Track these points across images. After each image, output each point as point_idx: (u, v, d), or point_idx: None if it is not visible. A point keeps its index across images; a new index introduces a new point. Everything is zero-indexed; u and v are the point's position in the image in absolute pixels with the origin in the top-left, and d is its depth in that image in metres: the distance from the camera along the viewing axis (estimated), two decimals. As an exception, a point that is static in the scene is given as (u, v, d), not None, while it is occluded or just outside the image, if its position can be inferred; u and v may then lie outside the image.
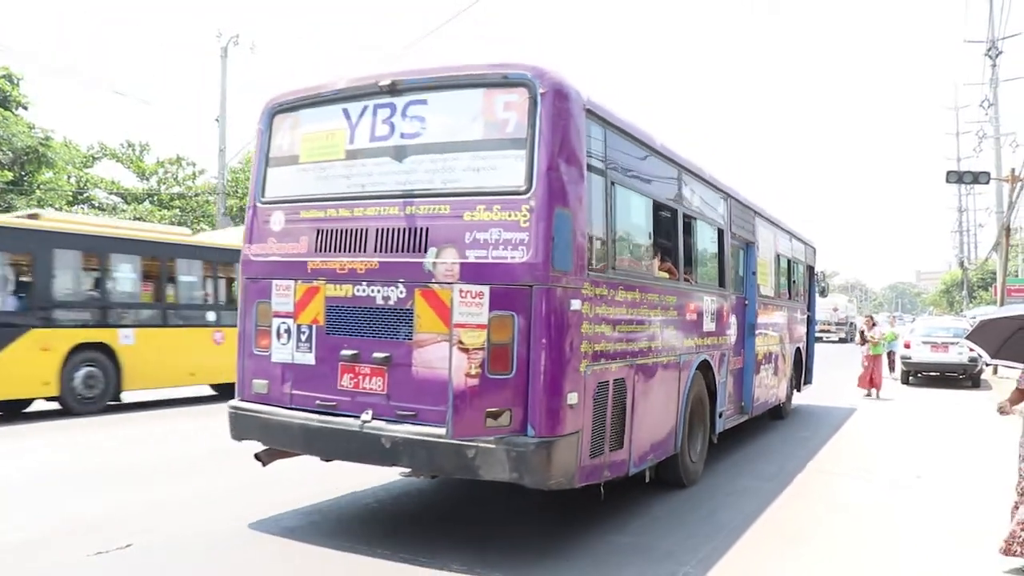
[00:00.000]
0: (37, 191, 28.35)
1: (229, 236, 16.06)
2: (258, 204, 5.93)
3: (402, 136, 5.30)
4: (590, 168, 5.20)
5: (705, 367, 7.55)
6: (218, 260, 13.85)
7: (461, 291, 4.71)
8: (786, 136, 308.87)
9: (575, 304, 4.96)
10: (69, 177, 31.48)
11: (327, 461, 5.96)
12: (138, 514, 5.97)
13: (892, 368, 19.72)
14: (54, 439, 9.58)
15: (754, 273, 9.72)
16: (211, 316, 13.49)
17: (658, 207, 6.65)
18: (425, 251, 5.04)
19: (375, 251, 5.24)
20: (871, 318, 17.81)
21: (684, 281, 7.18)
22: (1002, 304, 22.52)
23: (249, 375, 5.79)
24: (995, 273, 28.83)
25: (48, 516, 5.95)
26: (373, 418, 5.07)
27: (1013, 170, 22.01)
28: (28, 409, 11.66)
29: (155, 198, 33.56)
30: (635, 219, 6.27)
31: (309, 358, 5.46)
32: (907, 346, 19.11)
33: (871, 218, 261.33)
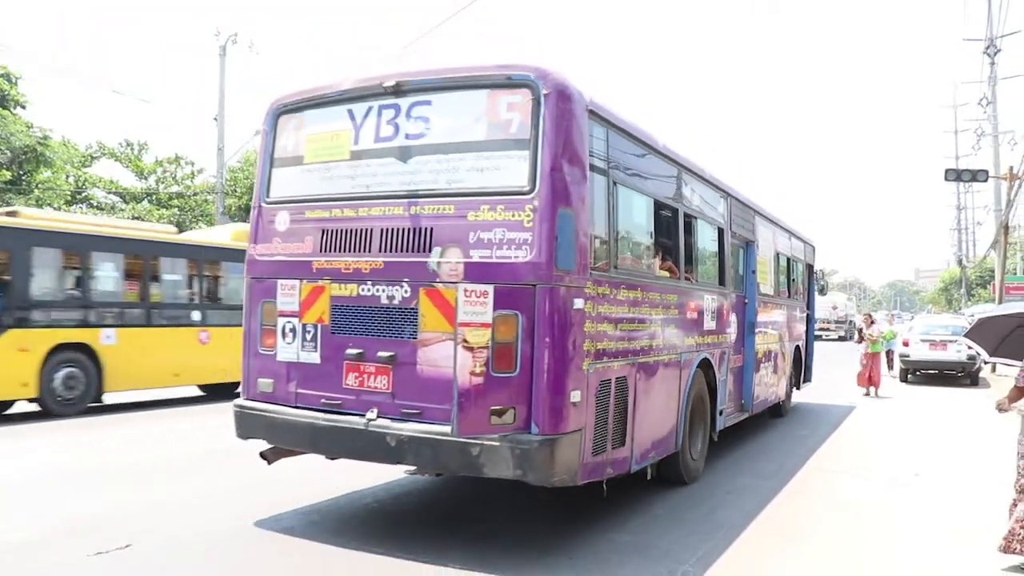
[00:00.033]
0: (35, 190, 28.37)
1: (214, 234, 15.82)
2: (263, 204, 5.97)
3: (407, 137, 5.34)
4: (592, 168, 5.25)
5: (706, 365, 7.60)
6: (203, 258, 13.64)
7: (466, 290, 4.76)
8: (785, 134, 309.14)
9: (578, 303, 5.01)
10: (67, 176, 31.49)
11: (332, 459, 6.01)
12: (138, 514, 5.98)
13: (891, 367, 19.78)
14: (53, 439, 9.57)
15: (754, 272, 9.77)
16: (196, 316, 13.27)
17: (659, 206, 6.70)
18: (429, 251, 5.08)
19: (380, 251, 5.28)
20: (869, 316, 17.86)
21: (685, 280, 7.23)
22: (1000, 302, 22.57)
23: (254, 374, 5.83)
24: (993, 271, 28.87)
25: (48, 516, 5.96)
26: (378, 416, 5.12)
27: (1011, 168, 22.05)
28: (10, 411, 11.46)
29: (154, 197, 33.55)
30: (637, 218, 6.32)
31: (314, 357, 5.50)
32: (906, 344, 19.17)
33: (870, 216, 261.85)
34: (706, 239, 8.12)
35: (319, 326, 5.50)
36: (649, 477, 6.59)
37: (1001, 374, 19.72)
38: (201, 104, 78.25)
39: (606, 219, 5.53)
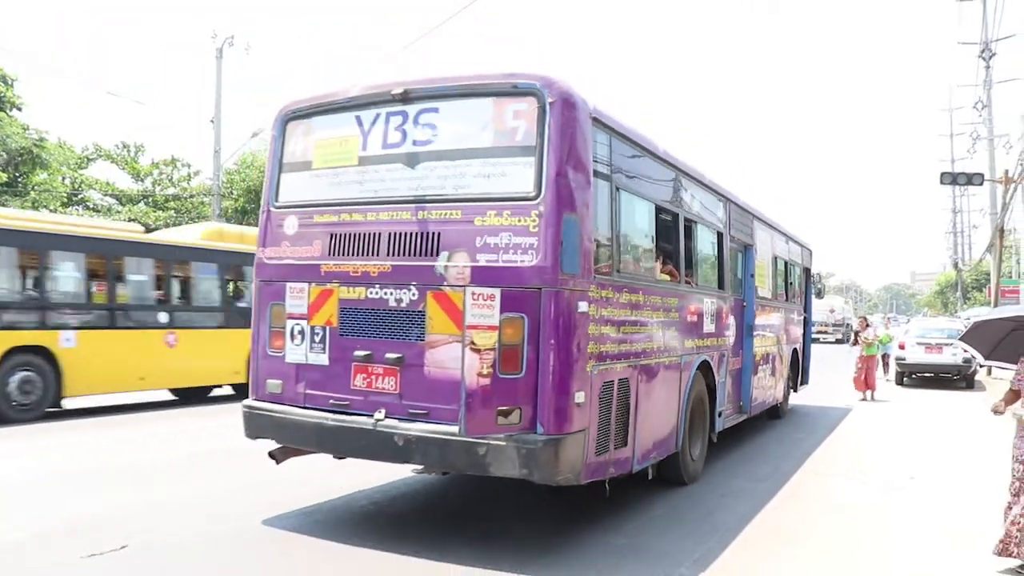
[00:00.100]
0: (31, 192, 28.37)
1: (184, 234, 15.46)
2: (271, 208, 6.06)
3: (414, 143, 5.44)
4: (596, 174, 5.36)
5: (705, 367, 7.70)
6: (171, 258, 13.24)
7: (473, 293, 4.86)
8: (782, 138, 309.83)
9: (582, 306, 5.10)
10: (64, 178, 31.49)
11: (340, 459, 6.09)
12: (138, 514, 6.00)
13: (886, 371, 19.89)
14: (49, 440, 9.50)
15: (752, 275, 9.89)
16: (163, 317, 12.75)
17: (660, 211, 6.82)
18: (437, 255, 5.18)
19: (388, 255, 5.38)
20: (865, 319, 17.99)
21: (685, 283, 7.34)
22: (996, 305, 22.77)
23: (263, 375, 5.92)
24: (989, 274, 29.01)
25: (47, 516, 5.97)
26: (386, 417, 5.21)
27: (1007, 171, 22.24)
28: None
29: (150, 199, 33.56)
30: (639, 223, 6.43)
31: (323, 359, 5.59)
32: (902, 347, 19.29)
33: (866, 219, 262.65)
34: (706, 243, 8.24)
35: (327, 328, 5.59)
36: (650, 477, 6.69)
37: (997, 377, 19.81)
38: (198, 106, 78.17)
39: (609, 224, 5.64)
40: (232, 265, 14.15)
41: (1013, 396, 5.30)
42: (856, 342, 16.79)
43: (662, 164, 6.83)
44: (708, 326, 7.89)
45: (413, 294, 5.24)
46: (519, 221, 4.97)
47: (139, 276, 12.78)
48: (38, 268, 11.29)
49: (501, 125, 5.17)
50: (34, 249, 11.20)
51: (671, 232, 7.10)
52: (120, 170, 33.64)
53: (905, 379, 19.63)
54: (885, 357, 19.81)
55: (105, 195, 32.95)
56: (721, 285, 8.55)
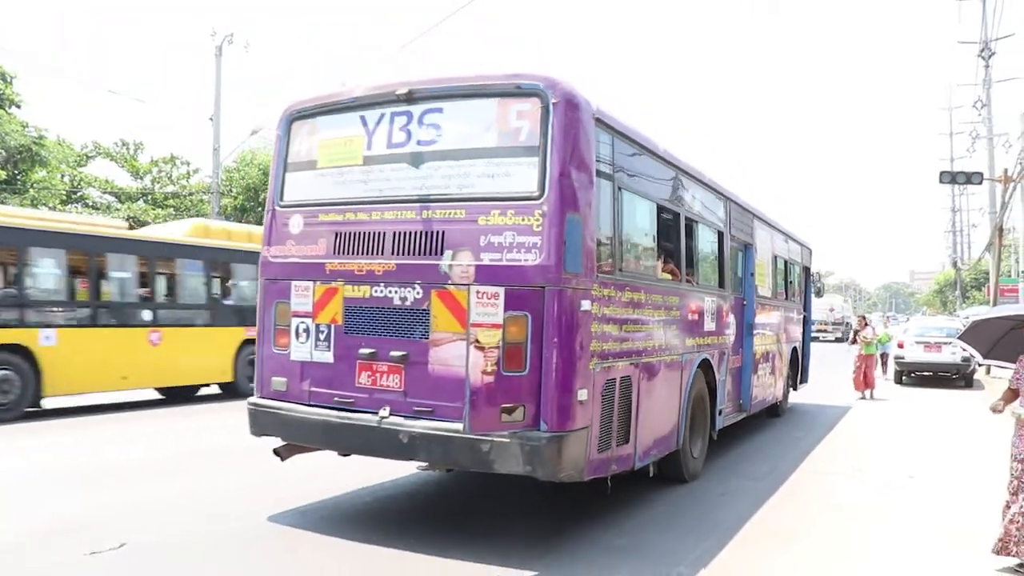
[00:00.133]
0: (31, 190, 28.38)
1: (170, 230, 15.22)
2: (277, 207, 6.10)
3: (419, 143, 5.48)
4: (599, 174, 5.41)
5: (706, 366, 7.76)
6: (155, 255, 13.01)
7: (478, 292, 4.92)
8: (782, 137, 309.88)
9: (585, 305, 5.15)
10: (63, 176, 31.51)
11: (345, 456, 6.15)
12: (137, 513, 6.01)
13: (885, 369, 19.94)
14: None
15: (752, 274, 9.94)
16: (147, 315, 12.58)
17: (662, 211, 6.87)
18: (441, 254, 5.23)
19: (392, 253, 5.43)
20: (864, 318, 18.03)
21: (686, 282, 7.39)
22: (995, 304, 22.81)
23: (268, 373, 5.96)
24: (988, 273, 29.09)
25: (40, 515, 5.94)
26: (391, 414, 5.26)
27: (1006, 170, 22.30)
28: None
29: (149, 197, 33.59)
30: (640, 222, 6.48)
31: (327, 356, 5.64)
32: (900, 346, 19.33)
33: (866, 218, 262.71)
34: (706, 242, 8.30)
35: (332, 326, 5.63)
36: (651, 474, 6.74)
37: (995, 376, 19.85)
38: (197, 104, 78.10)
39: (611, 223, 5.70)
40: (219, 262, 13.99)
41: (1012, 395, 5.32)
42: (855, 341, 16.84)
43: (663, 164, 6.88)
44: (709, 325, 7.94)
45: (417, 292, 5.29)
46: (523, 220, 5.02)
47: (122, 273, 12.56)
48: (17, 265, 11.12)
49: (505, 125, 5.22)
50: (12, 246, 11.05)
51: (672, 231, 7.15)
52: (119, 168, 33.68)
53: (904, 378, 19.68)
54: (884, 356, 19.85)
55: (104, 193, 32.95)
56: (721, 284, 8.60)
